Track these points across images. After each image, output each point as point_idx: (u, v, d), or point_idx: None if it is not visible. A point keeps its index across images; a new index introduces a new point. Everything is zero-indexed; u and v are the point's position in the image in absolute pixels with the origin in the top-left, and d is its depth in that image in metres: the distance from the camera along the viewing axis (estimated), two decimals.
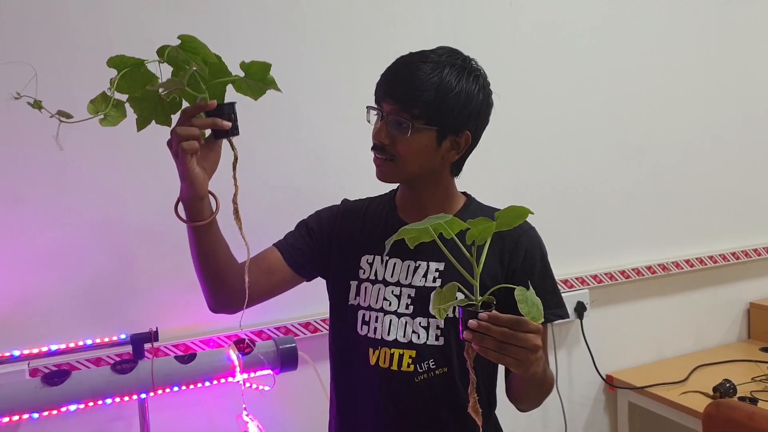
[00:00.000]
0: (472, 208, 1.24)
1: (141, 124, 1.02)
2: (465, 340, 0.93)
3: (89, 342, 1.47)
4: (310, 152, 1.80)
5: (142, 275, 1.61)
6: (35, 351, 1.43)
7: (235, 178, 1.04)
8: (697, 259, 2.53)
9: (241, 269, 1.17)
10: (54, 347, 1.45)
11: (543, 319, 0.89)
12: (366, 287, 1.24)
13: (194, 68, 0.95)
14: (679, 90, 2.47)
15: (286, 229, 1.31)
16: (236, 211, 1.05)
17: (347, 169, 1.80)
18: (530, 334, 0.92)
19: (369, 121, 1.18)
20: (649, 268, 2.42)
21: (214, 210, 1.08)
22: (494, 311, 0.92)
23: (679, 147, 2.49)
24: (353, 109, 1.28)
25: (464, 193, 1.29)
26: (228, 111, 1.01)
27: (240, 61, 0.98)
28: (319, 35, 1.79)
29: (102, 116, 0.94)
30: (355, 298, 1.25)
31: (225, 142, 1.05)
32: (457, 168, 1.22)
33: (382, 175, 1.18)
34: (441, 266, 1.19)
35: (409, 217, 1.24)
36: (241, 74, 1.01)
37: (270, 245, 1.28)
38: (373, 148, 1.17)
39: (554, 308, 1.20)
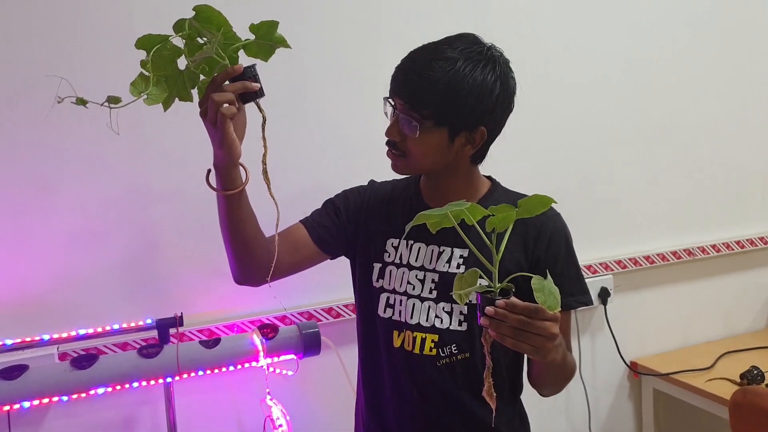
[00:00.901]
0: (497, 194, 1.23)
1: (167, 103, 1.01)
2: (482, 326, 0.93)
3: (116, 327, 1.49)
4: (333, 139, 1.79)
5: (166, 261, 1.63)
6: (64, 335, 1.45)
7: (264, 138, 1.02)
8: (723, 243, 2.49)
9: (267, 242, 1.19)
10: (82, 331, 1.47)
11: (559, 308, 0.89)
12: (390, 270, 1.23)
13: (218, 37, 0.96)
14: (705, 70, 2.41)
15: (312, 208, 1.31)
16: (265, 171, 1.04)
17: (369, 153, 1.80)
18: (547, 322, 0.92)
19: (386, 114, 1.17)
20: (674, 253, 2.38)
21: (244, 179, 1.08)
22: (512, 298, 0.92)
23: (704, 129, 2.44)
24: (373, 93, 1.28)
25: (489, 178, 1.27)
26: (252, 73, 1.01)
27: (249, 24, 0.98)
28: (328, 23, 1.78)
29: (145, 96, 0.95)
30: (379, 281, 1.25)
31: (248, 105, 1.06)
32: (477, 157, 1.20)
33: (397, 169, 1.18)
34: (465, 253, 1.18)
35: (434, 203, 1.23)
36: (250, 38, 1.01)
37: (296, 222, 1.29)
38: (387, 143, 1.16)
39: (578, 295, 1.19)
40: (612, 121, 2.25)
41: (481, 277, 0.96)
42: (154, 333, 1.52)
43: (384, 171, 1.25)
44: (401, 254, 1.23)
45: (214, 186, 1.08)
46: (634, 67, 2.27)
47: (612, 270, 2.26)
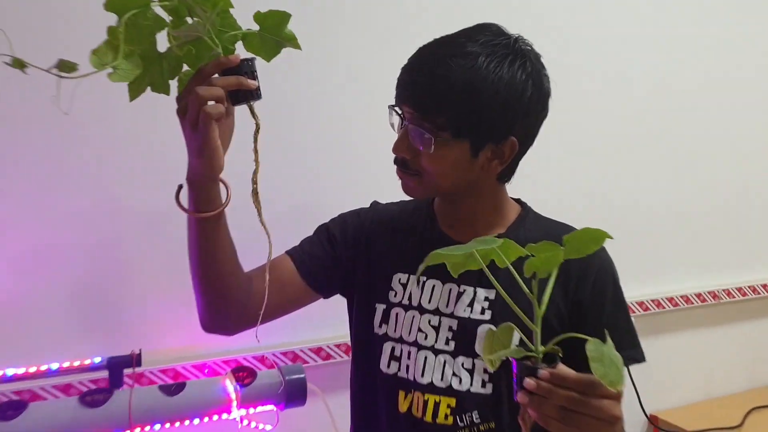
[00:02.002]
0: (528, 222, 1.00)
1: (134, 91, 0.80)
2: (520, 403, 0.70)
3: (55, 366, 1.23)
4: (330, 150, 1.56)
5: (127, 286, 1.37)
6: None
7: (256, 151, 0.84)
8: (749, 287, 2.27)
9: (246, 280, 0.97)
10: (11, 371, 1.20)
11: (623, 385, 0.66)
12: (397, 314, 1.00)
13: (212, 16, 0.76)
14: (737, 97, 2.21)
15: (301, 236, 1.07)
16: (255, 193, 0.85)
17: (375, 167, 1.56)
18: (606, 400, 0.69)
19: (392, 125, 0.95)
20: (698, 295, 2.16)
21: (225, 199, 0.88)
22: (560, 367, 0.70)
23: (734, 160, 2.23)
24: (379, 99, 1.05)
25: (518, 201, 1.04)
26: (250, 68, 0.82)
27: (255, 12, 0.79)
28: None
29: (111, 70, 0.73)
30: (382, 326, 1.01)
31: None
32: (505, 175, 0.98)
33: (409, 191, 0.96)
34: (492, 294, 0.95)
35: (453, 230, 1.00)
36: (254, 28, 0.82)
37: (282, 253, 1.06)
38: (395, 162, 0.94)
39: (628, 349, 0.96)
40: (633, 147, 2.04)
41: (517, 334, 0.72)
42: (105, 374, 1.26)
43: (394, 191, 1.02)
44: (411, 294, 0.99)
45: (186, 206, 0.87)
46: (662, 92, 2.06)
47: (632, 312, 2.03)
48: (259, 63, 0.84)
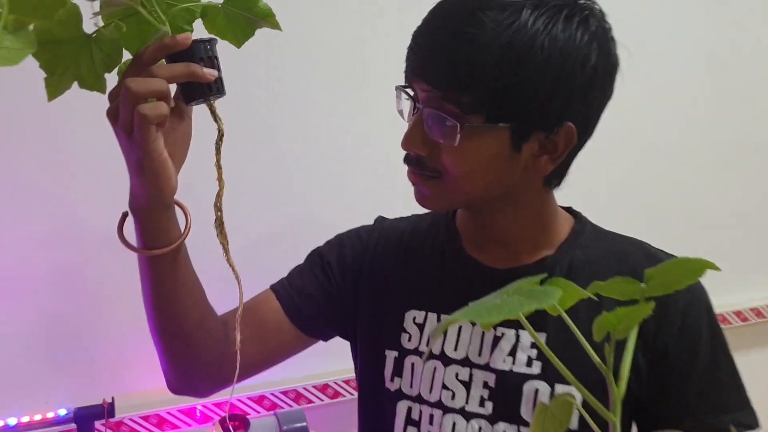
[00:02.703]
0: (586, 238, 0.78)
1: (53, 89, 0.61)
2: None
3: (12, 422, 1.04)
4: (318, 154, 1.34)
5: (95, 316, 1.17)
6: None
7: (219, 167, 0.64)
8: None
9: (218, 327, 0.77)
10: None
11: None
12: (413, 364, 0.78)
13: None
14: None
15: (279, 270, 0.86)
16: (220, 223, 0.66)
17: (372, 176, 1.34)
18: None
19: (400, 112, 0.73)
20: (755, 310, 1.91)
21: (183, 229, 0.68)
22: None
23: None
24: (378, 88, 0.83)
25: (568, 210, 0.82)
26: (205, 52, 0.62)
27: None
28: None
29: None
30: (394, 379, 0.79)
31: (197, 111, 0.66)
32: (555, 177, 0.74)
33: (424, 201, 0.73)
34: (542, 338, 0.72)
35: (484, 253, 0.78)
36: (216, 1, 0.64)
37: (265, 289, 0.85)
38: (405, 160, 0.72)
39: (736, 411, 0.72)
40: (688, 140, 1.79)
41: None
42: (73, 427, 1.07)
43: (407, 202, 0.80)
44: (430, 337, 0.78)
45: (131, 241, 0.67)
46: (723, 72, 1.81)
47: None
48: (227, 48, 0.64)
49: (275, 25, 0.66)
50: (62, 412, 1.07)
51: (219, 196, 0.64)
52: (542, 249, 0.77)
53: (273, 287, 0.84)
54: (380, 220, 0.90)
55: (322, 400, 1.32)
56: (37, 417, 1.06)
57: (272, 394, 1.28)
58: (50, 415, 1.07)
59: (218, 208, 0.64)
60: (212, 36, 0.64)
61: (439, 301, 0.78)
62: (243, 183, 1.24)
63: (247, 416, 1.15)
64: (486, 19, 0.62)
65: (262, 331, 0.80)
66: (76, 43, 0.60)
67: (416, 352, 0.78)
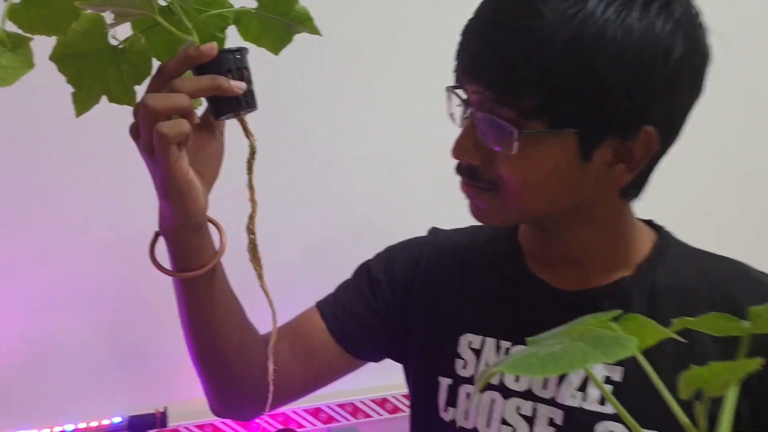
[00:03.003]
0: (671, 257, 0.67)
1: (81, 104, 0.58)
2: None
3: (69, 428, 1.04)
4: (370, 158, 1.28)
5: (151, 324, 1.16)
6: None
7: (251, 186, 0.60)
8: None
9: (261, 348, 0.72)
10: None
11: None
12: (468, 394, 0.71)
13: None
14: None
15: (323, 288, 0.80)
16: (253, 246, 0.61)
17: (430, 181, 1.27)
18: None
19: (451, 116, 0.65)
20: None
21: (217, 249, 0.64)
22: None
23: None
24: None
25: (650, 223, 0.71)
26: (233, 63, 0.57)
27: None
28: None
29: None
30: (448, 410, 0.72)
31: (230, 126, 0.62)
32: (634, 188, 0.64)
33: (480, 215, 0.65)
34: (616, 374, 0.64)
35: (550, 272, 0.70)
36: (251, 4, 0.60)
37: (311, 307, 0.80)
38: (457, 170, 0.65)
39: None
40: None
41: None
42: None
43: (457, 215, 0.73)
44: (487, 364, 0.70)
45: (165, 266, 0.63)
46: None
47: None
48: (262, 56, 0.59)
49: (314, 30, 0.61)
50: (117, 420, 1.07)
51: (252, 218, 0.60)
52: (618, 269, 0.67)
53: (318, 304, 0.79)
54: (434, 231, 0.83)
55: (380, 415, 1.27)
56: (93, 424, 1.06)
57: (328, 406, 1.24)
58: (105, 422, 1.06)
59: (251, 231, 0.60)
60: (242, 45, 0.59)
61: (497, 325, 0.71)
62: (292, 190, 1.20)
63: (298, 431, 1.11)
64: (545, 9, 0.53)
65: (306, 352, 0.75)
66: (101, 56, 0.57)
67: (472, 380, 0.71)
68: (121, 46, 0.57)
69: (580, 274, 0.68)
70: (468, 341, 0.72)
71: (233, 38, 0.61)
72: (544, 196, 0.61)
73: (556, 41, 0.53)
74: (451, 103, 0.65)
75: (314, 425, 1.22)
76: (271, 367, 0.63)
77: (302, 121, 1.21)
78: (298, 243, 1.22)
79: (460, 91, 0.63)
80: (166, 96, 0.53)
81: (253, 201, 0.59)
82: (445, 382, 0.73)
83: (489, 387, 0.69)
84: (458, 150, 0.62)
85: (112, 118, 0.64)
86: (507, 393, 0.68)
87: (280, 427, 1.13)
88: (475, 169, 0.62)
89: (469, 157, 0.62)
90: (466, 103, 0.62)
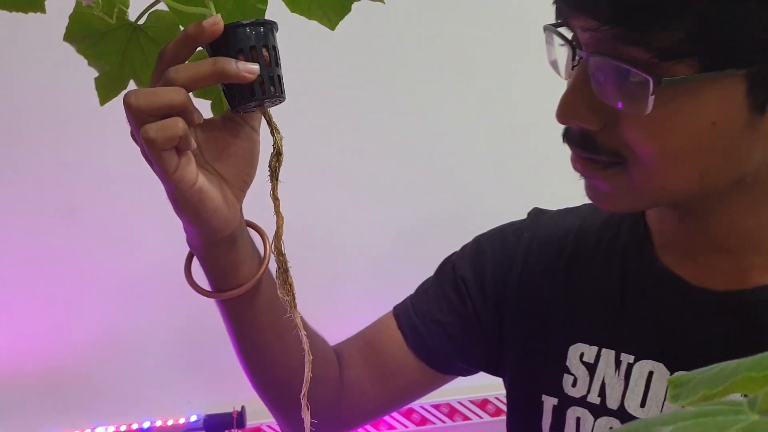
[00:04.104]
0: None
1: (104, 90, 0.50)
2: None
3: (146, 425, 0.99)
4: (467, 130, 1.13)
5: None
6: None
7: (275, 197, 0.48)
8: None
9: (330, 365, 0.64)
10: (100, 430, 0.98)
11: None
12: (579, 418, 0.56)
13: None
14: None
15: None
16: (284, 270, 0.48)
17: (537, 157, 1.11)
18: None
19: (553, 64, 0.49)
20: None
21: (261, 257, 0.54)
22: None
23: None
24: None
25: None
26: (248, 41, 0.45)
27: None
28: None
29: None
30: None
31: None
32: None
33: (601, 199, 0.49)
34: None
35: (689, 264, 0.52)
36: None
37: (388, 312, 0.68)
38: (565, 137, 0.49)
39: None
40: None
41: None
42: None
43: (567, 195, 0.58)
44: (604, 383, 0.55)
45: (203, 286, 0.54)
46: None
47: None
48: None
49: None
50: (193, 418, 1.00)
51: (278, 235, 0.47)
52: None
53: (395, 311, 0.66)
54: (535, 214, 0.66)
55: (481, 418, 1.13)
56: (170, 422, 1.01)
57: (422, 407, 1.12)
58: (182, 420, 1.01)
59: (279, 251, 0.47)
60: (261, 19, 0.46)
61: (617, 334, 0.54)
62: (381, 173, 1.09)
63: None
64: None
65: (382, 370, 0.63)
66: (119, 34, 0.48)
67: (584, 402, 0.55)
68: (140, 23, 0.48)
69: (733, 269, 0.50)
70: (579, 353, 0.56)
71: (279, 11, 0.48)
72: (693, 169, 0.44)
73: None
74: (552, 48, 0.49)
75: (406, 427, 1.10)
76: (307, 420, 0.51)
77: (389, 102, 1.09)
78: (386, 230, 1.11)
79: (564, 31, 0.47)
80: (153, 92, 0.42)
81: (278, 214, 0.47)
82: (549, 401, 0.58)
83: (603, 411, 0.54)
84: (566, 110, 0.46)
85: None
86: (627, 418, 0.52)
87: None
88: (590, 136, 0.46)
89: (582, 120, 0.45)
90: (574, 45, 0.46)
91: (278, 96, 0.46)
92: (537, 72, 0.67)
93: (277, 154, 0.47)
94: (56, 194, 1.03)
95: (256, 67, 0.44)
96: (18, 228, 1.01)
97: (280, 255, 0.47)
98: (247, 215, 0.54)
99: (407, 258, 1.08)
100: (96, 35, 0.48)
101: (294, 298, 0.48)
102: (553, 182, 0.86)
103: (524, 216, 0.67)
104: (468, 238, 0.69)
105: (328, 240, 1.09)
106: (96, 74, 0.50)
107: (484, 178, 1.14)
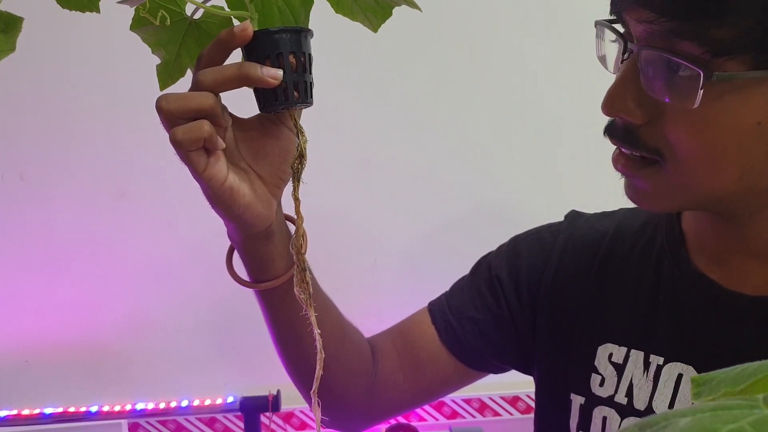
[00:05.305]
0: None
1: (163, 77, 0.53)
2: None
3: (184, 404, 1.02)
4: (508, 119, 1.13)
5: None
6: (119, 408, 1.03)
7: (296, 198, 0.49)
8: None
9: (363, 357, 0.66)
10: (140, 406, 1.02)
11: None
12: (605, 418, 0.57)
13: None
14: None
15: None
16: (302, 269, 0.50)
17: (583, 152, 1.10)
18: None
19: (601, 59, 0.50)
20: None
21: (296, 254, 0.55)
22: None
23: None
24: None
25: None
26: (274, 48, 0.46)
27: None
28: None
29: None
30: None
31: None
32: None
33: (640, 197, 0.50)
34: None
35: (721, 267, 0.53)
36: None
37: (423, 307, 0.69)
38: (607, 131, 0.49)
39: None
40: None
41: None
42: (240, 415, 1.03)
43: (606, 198, 0.58)
44: (632, 384, 0.55)
45: (242, 276, 0.57)
46: None
47: None
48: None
49: (412, 4, 0.49)
50: (230, 399, 1.03)
51: (298, 234, 0.49)
52: None
53: (430, 306, 0.68)
54: (572, 217, 0.66)
55: (511, 414, 1.14)
56: (207, 402, 1.04)
57: (453, 401, 1.13)
58: (219, 401, 1.04)
59: (298, 250, 0.49)
60: (292, 26, 0.48)
61: (647, 335, 0.55)
62: (419, 170, 1.10)
63: (416, 429, 1.01)
64: None
65: (415, 363, 0.65)
66: (178, 27, 0.50)
67: (611, 402, 0.56)
68: (196, 18, 0.50)
69: (766, 275, 0.50)
70: (608, 353, 0.57)
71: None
72: (733, 169, 0.44)
73: None
74: (602, 42, 0.50)
75: (437, 419, 1.12)
76: (317, 415, 0.53)
77: (428, 98, 1.10)
78: (422, 226, 1.12)
79: (617, 25, 0.47)
80: (182, 96, 0.45)
81: (298, 214, 0.49)
82: (577, 400, 0.59)
83: (630, 410, 0.55)
84: (612, 102, 0.47)
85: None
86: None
87: (393, 423, 1.04)
88: (633, 130, 0.46)
89: (627, 113, 0.46)
90: (625, 39, 0.46)
91: (302, 102, 0.47)
92: (576, 72, 0.68)
93: (299, 156, 0.48)
94: (109, 180, 1.07)
95: (279, 72, 0.45)
96: (73, 211, 1.06)
97: (299, 254, 0.49)
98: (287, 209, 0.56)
99: (443, 253, 1.09)
100: (157, 26, 0.51)
101: (310, 296, 0.50)
102: (588, 182, 0.85)
103: (560, 214, 0.68)
104: (503, 236, 0.70)
105: (365, 235, 1.10)
106: (157, 62, 0.53)
107: (521, 176, 1.13)
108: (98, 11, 0.46)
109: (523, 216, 0.78)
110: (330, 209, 1.07)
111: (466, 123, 1.11)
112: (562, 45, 1.08)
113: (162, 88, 0.53)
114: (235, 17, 0.48)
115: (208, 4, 0.51)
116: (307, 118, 0.52)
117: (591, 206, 0.67)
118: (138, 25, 0.51)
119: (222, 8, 0.48)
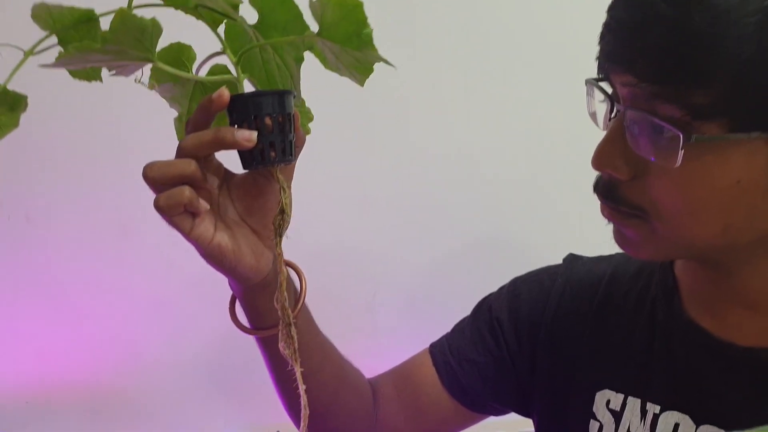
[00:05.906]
0: None
1: (181, 128, 0.56)
2: None
3: None
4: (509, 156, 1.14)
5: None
6: None
7: (278, 253, 0.49)
8: None
9: (364, 398, 0.68)
10: None
11: None
12: None
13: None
14: None
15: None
16: (287, 323, 0.50)
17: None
18: None
19: (592, 115, 0.52)
20: None
21: (298, 295, 0.59)
22: None
23: None
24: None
25: None
26: (255, 109, 0.48)
27: None
28: None
29: None
30: None
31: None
32: None
33: (627, 245, 0.52)
34: None
35: (715, 317, 0.54)
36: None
37: (424, 349, 0.71)
38: (595, 188, 0.52)
39: None
40: None
41: None
42: None
43: (599, 240, 0.59)
44: (629, 431, 0.56)
45: (244, 323, 0.60)
46: None
47: None
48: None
49: (387, 62, 0.48)
50: None
51: (281, 290, 0.49)
52: None
53: (431, 347, 0.69)
54: (571, 259, 0.68)
55: None
56: None
57: None
58: None
59: (282, 305, 0.49)
60: (268, 90, 0.50)
61: (643, 383, 0.56)
62: (417, 205, 1.10)
63: None
64: None
65: (416, 405, 0.66)
66: (186, 84, 0.53)
67: None
68: (201, 78, 0.52)
69: (758, 324, 0.51)
70: (606, 399, 0.58)
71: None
72: (716, 223, 0.46)
73: (742, 15, 0.39)
74: (592, 100, 0.52)
75: None
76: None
77: (422, 134, 1.11)
78: (422, 264, 1.12)
79: (604, 85, 0.49)
80: (164, 164, 0.48)
81: (281, 270, 0.49)
82: None
83: None
84: (601, 159, 0.49)
85: None
86: None
87: None
88: (614, 187, 0.48)
89: (614, 169, 0.48)
90: (613, 99, 0.48)
91: (280, 161, 0.48)
92: (586, 119, 0.69)
93: (281, 212, 0.49)
94: (112, 215, 1.08)
95: (253, 135, 0.46)
96: (75, 250, 1.07)
97: (284, 309, 0.49)
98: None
99: (443, 292, 1.09)
100: (170, 83, 0.54)
101: (296, 352, 0.50)
102: (591, 220, 0.85)
103: (564, 251, 0.70)
104: (503, 271, 0.71)
105: (363, 272, 1.11)
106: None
107: (523, 212, 1.14)
108: (101, 80, 0.50)
109: (524, 252, 0.78)
110: (328, 245, 1.08)
111: (466, 159, 1.12)
112: (570, 80, 1.09)
113: (180, 137, 0.55)
114: (222, 82, 0.50)
115: (215, 60, 0.53)
116: (305, 153, 0.53)
117: (594, 246, 0.68)
118: (155, 79, 0.53)
119: (221, 69, 0.50)
